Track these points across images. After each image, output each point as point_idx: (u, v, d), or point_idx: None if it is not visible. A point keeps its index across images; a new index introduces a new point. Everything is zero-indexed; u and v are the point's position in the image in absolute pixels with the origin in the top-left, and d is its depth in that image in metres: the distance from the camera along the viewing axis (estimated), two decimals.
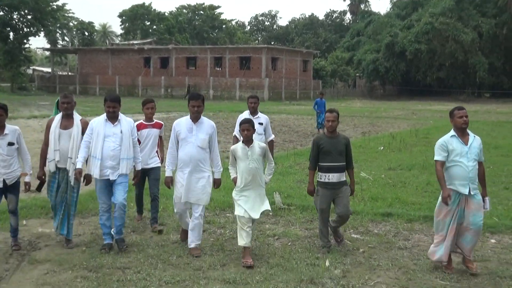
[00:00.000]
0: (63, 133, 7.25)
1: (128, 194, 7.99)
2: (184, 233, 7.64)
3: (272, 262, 7.20)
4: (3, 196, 7.21)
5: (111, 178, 7.15)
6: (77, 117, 7.45)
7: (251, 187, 6.98)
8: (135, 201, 9.05)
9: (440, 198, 6.60)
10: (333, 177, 7.31)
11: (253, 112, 9.31)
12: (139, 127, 8.30)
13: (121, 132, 7.18)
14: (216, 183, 7.52)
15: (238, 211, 6.97)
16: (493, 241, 8.36)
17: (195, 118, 7.23)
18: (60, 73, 79.13)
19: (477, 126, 28.53)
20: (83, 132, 7.32)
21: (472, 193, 6.41)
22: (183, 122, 7.30)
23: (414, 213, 9.84)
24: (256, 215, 7.01)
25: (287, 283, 6.48)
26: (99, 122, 7.23)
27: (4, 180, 7.00)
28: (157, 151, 8.68)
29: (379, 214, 9.70)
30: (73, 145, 7.24)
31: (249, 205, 6.95)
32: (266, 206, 7.21)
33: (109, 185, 7.27)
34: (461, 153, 6.39)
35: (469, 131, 6.69)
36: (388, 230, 8.97)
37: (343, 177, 7.44)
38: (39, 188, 7.83)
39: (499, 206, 10.46)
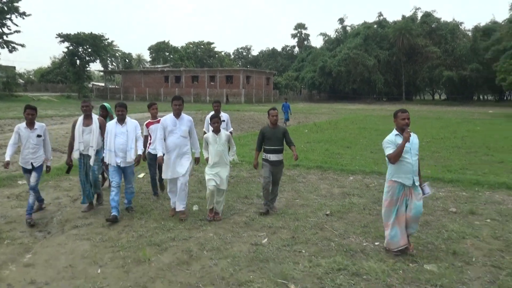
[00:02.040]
0: (85, 129, 6.71)
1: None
2: (173, 210, 6.69)
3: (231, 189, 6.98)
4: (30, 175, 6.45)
5: (122, 165, 6.50)
6: (95, 117, 6.87)
7: (219, 164, 6.36)
8: (152, 185, 7.85)
9: (385, 190, 5.25)
10: (273, 157, 6.70)
11: (217, 112, 8.19)
12: (148, 125, 7.66)
13: (127, 131, 6.52)
14: (196, 161, 6.82)
15: (208, 183, 6.30)
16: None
17: (177, 115, 6.55)
18: (110, 86, 78.20)
19: (371, 119, 29.85)
20: (100, 127, 6.78)
21: (416, 184, 5.07)
22: (168, 118, 6.56)
23: (311, 164, 10.78)
24: (224, 186, 6.39)
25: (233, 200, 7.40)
26: (112, 124, 6.57)
27: (32, 163, 6.38)
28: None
29: (291, 165, 10.28)
30: (93, 137, 6.68)
31: (218, 179, 6.31)
32: (224, 185, 6.41)
33: (119, 170, 6.55)
34: (405, 150, 4.97)
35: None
36: (295, 173, 9.90)
37: (280, 157, 6.78)
38: (68, 171, 7.17)
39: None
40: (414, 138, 5.14)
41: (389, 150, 5.09)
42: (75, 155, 6.80)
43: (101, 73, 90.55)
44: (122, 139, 6.49)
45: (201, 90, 63.96)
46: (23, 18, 52.35)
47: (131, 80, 71.40)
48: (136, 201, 7.42)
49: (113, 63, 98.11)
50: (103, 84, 79.89)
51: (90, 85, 73.81)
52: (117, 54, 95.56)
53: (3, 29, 51.13)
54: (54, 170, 9.20)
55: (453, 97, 70.35)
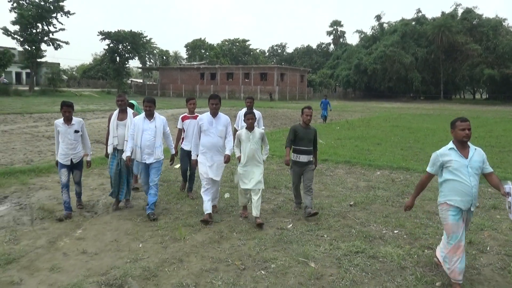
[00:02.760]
0: (120, 124, 6.57)
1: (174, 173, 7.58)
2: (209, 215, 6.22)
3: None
4: (71, 172, 6.41)
5: (147, 162, 6.31)
6: (129, 111, 6.70)
7: (251, 163, 6.03)
8: (182, 177, 7.80)
9: (441, 214, 4.33)
10: (303, 158, 6.38)
11: (250, 108, 7.91)
12: (184, 118, 7.49)
13: (155, 127, 6.32)
14: (226, 158, 6.19)
15: (241, 184, 6.13)
16: None
17: (214, 114, 6.23)
18: (148, 82, 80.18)
19: (405, 118, 29.62)
20: None
21: (472, 209, 4.21)
22: (205, 117, 6.26)
23: (339, 159, 11.13)
24: (259, 186, 6.02)
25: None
26: (139, 119, 6.37)
27: (71, 160, 6.27)
28: None
29: (322, 159, 10.63)
30: (127, 132, 6.49)
31: (249, 178, 6.02)
32: (261, 184, 6.06)
33: (147, 167, 6.38)
34: (459, 167, 4.10)
35: (469, 144, 4.25)
36: (323, 167, 10.17)
37: (310, 158, 6.47)
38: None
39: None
40: (474, 153, 4.22)
41: (428, 168, 4.40)
42: (109, 149, 6.69)
43: (139, 70, 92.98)
44: (150, 135, 6.28)
45: (236, 87, 64.88)
46: (68, 17, 54.67)
47: (168, 76, 73.05)
48: (172, 188, 7.99)
49: (151, 60, 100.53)
50: (141, 81, 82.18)
51: (129, 82, 75.97)
52: (154, 51, 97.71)
53: (49, 27, 53.60)
54: (97, 159, 10.02)
55: (495, 96, 68.10)
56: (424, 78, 70.66)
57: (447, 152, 4.24)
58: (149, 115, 6.37)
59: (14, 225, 5.86)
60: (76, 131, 6.29)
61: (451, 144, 4.28)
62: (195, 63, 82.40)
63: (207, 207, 6.12)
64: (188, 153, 7.11)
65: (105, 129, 18.18)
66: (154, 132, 6.32)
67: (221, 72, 68.81)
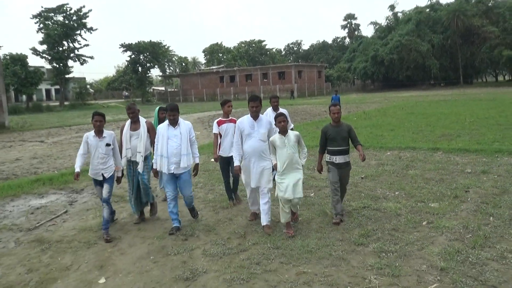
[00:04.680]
0: (133, 134, 6.29)
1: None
2: (254, 215, 6.32)
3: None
4: (102, 187, 6.10)
5: (175, 172, 5.91)
6: (142, 120, 6.42)
7: (290, 170, 5.50)
8: (227, 192, 7.29)
9: None
10: (339, 159, 5.96)
11: (276, 108, 7.58)
12: (219, 123, 7.00)
13: (180, 133, 5.92)
14: (275, 166, 5.61)
15: (279, 193, 5.59)
16: None
17: (255, 116, 5.91)
18: (170, 89, 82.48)
19: (421, 105, 30.48)
20: (148, 131, 6.40)
21: None
22: (245, 121, 5.94)
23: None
24: (299, 195, 5.54)
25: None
26: (163, 127, 5.98)
27: (102, 174, 6.00)
28: None
29: None
30: (140, 142, 6.27)
31: (289, 186, 5.47)
32: (299, 193, 5.53)
33: (174, 178, 5.98)
34: None
35: None
36: None
37: (347, 158, 6.05)
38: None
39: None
40: None
41: None
42: (123, 162, 6.39)
43: (159, 78, 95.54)
44: (176, 142, 5.89)
45: (255, 87, 66.42)
46: (91, 33, 57.64)
47: (188, 82, 75.30)
48: (218, 190, 8.18)
49: (170, 68, 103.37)
50: (162, 88, 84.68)
51: (151, 90, 78.61)
52: (173, 59, 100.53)
53: (74, 44, 56.58)
54: None
55: None
56: (442, 64, 70.61)
57: None
58: (174, 123, 5.97)
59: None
60: (108, 145, 6.00)
61: None
62: (214, 67, 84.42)
63: (252, 207, 6.33)
64: (228, 160, 6.87)
65: None
66: (180, 139, 5.93)
67: (240, 74, 70.57)
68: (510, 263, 4.42)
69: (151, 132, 6.42)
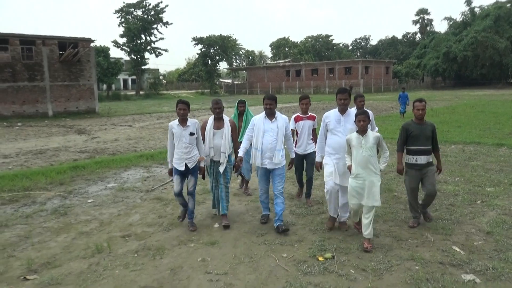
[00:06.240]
0: (216, 133, 6.00)
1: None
2: (332, 221, 5.78)
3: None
4: (185, 178, 5.93)
5: (269, 167, 5.71)
6: (226, 118, 6.11)
7: (364, 174, 5.03)
8: (298, 183, 7.31)
9: None
10: (421, 159, 5.53)
11: (361, 108, 6.30)
12: (296, 119, 6.77)
13: (277, 127, 5.67)
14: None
15: (350, 201, 5.23)
16: None
17: (343, 110, 5.53)
18: (236, 82, 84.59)
19: (494, 104, 29.80)
20: (231, 130, 6.08)
21: None
22: (332, 114, 5.61)
23: None
24: (373, 202, 5.01)
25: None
26: (259, 119, 5.78)
27: (186, 164, 5.78)
28: (312, 139, 6.74)
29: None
30: (225, 141, 5.98)
31: (362, 192, 5.06)
32: (376, 201, 5.02)
33: (267, 172, 5.82)
34: None
35: None
36: None
37: (430, 159, 5.60)
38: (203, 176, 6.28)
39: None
40: None
41: None
42: (206, 161, 6.16)
43: (225, 70, 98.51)
44: (272, 136, 5.69)
45: (320, 82, 66.97)
46: (166, 27, 61.15)
47: (255, 75, 77.20)
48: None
49: (237, 61, 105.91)
50: (229, 81, 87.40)
51: (218, 82, 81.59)
52: (240, 52, 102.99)
53: (151, 37, 60.41)
54: None
55: None
56: None
57: None
58: (270, 114, 5.76)
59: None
60: (192, 134, 5.81)
61: None
62: (280, 61, 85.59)
63: (332, 211, 5.74)
64: (303, 157, 6.76)
65: None
66: (276, 133, 5.70)
67: (306, 69, 71.22)
68: None
69: (234, 131, 6.16)
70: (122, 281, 4.41)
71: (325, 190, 5.68)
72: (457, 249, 4.93)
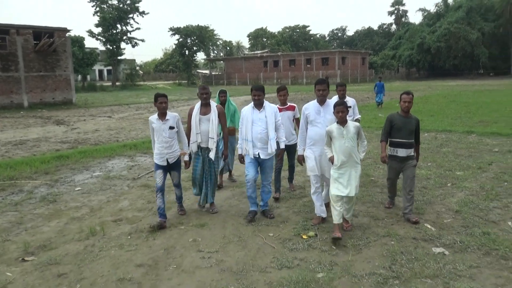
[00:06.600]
0: (202, 118, 5.90)
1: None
2: (319, 219, 5.64)
3: None
4: (168, 173, 5.86)
5: (262, 157, 5.68)
6: (213, 104, 6.01)
7: (347, 165, 5.02)
8: (275, 179, 6.86)
9: None
10: (401, 152, 5.58)
11: (342, 98, 7.02)
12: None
13: (266, 117, 5.64)
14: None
15: (332, 190, 5.10)
16: None
17: (322, 101, 5.49)
18: (214, 73, 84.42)
19: (465, 94, 30.84)
20: (218, 116, 5.97)
21: None
22: (311, 106, 5.54)
23: None
24: (353, 193, 5.04)
25: None
26: (248, 110, 5.75)
27: (167, 160, 5.70)
28: (295, 129, 6.81)
29: (378, 127, 13.39)
30: (212, 127, 5.88)
31: (345, 183, 5.02)
32: (356, 189, 5.10)
33: (256, 162, 5.74)
34: None
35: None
36: (378, 133, 13.26)
37: (411, 152, 5.64)
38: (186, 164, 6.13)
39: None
40: None
41: None
42: (193, 147, 6.05)
43: (203, 61, 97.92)
44: (261, 126, 5.66)
45: (298, 72, 67.47)
46: (143, 17, 60.53)
47: (233, 66, 77.07)
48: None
49: (214, 51, 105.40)
50: (207, 71, 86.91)
51: (196, 73, 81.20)
52: (218, 43, 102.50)
53: (127, 27, 59.54)
54: None
55: None
56: (492, 53, 68.82)
57: None
58: (258, 105, 5.73)
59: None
60: (171, 127, 5.69)
61: None
62: (258, 52, 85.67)
63: (318, 211, 5.63)
64: (285, 148, 6.30)
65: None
66: (265, 122, 5.66)
67: (284, 59, 71.56)
68: (511, 210, 5.87)
69: (221, 117, 6.05)
70: (119, 259, 4.67)
71: (311, 191, 5.69)
72: (429, 226, 5.37)
